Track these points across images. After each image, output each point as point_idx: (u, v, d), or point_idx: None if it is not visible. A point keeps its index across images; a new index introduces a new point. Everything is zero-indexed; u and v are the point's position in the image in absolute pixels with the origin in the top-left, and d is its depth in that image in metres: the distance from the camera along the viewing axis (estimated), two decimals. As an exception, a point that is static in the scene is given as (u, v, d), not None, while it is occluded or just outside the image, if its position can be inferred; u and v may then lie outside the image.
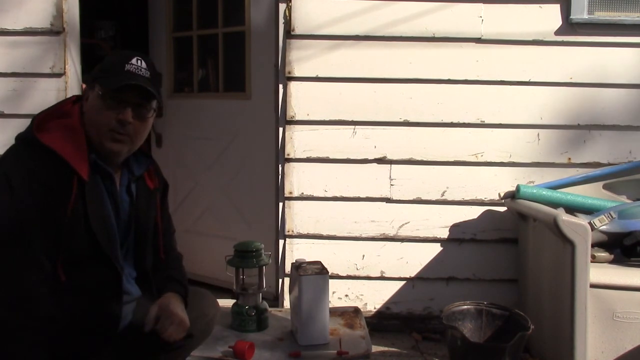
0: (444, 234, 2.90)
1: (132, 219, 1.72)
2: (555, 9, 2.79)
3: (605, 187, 2.76)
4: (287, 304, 2.67)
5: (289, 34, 2.81)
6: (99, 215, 1.60)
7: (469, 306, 2.52)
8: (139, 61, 1.63)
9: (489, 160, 2.87)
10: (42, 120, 1.61)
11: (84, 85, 3.32)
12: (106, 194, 1.65)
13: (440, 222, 2.90)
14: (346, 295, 2.95)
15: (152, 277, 1.79)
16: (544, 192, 2.63)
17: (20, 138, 1.61)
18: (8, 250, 1.46)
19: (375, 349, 2.47)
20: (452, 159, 2.87)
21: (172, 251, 1.90)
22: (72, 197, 1.52)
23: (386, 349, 2.76)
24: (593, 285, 2.24)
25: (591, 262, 2.26)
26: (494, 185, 2.86)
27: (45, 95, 2.83)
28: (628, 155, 2.85)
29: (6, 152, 1.60)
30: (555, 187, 2.74)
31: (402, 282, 2.94)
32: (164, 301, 1.67)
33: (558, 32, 2.80)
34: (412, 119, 2.85)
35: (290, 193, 2.89)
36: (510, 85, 2.83)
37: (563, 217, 2.25)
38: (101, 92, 1.60)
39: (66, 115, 1.64)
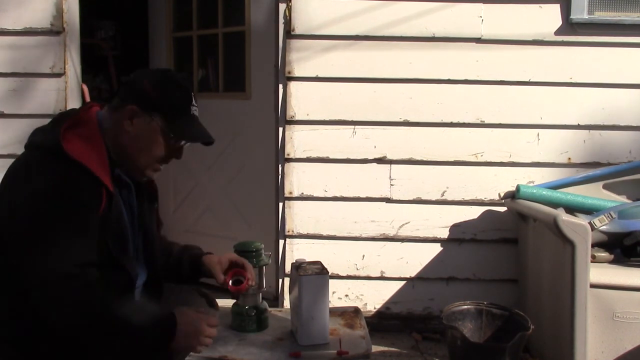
0: (444, 234, 2.90)
1: (140, 223, 1.74)
2: (555, 9, 2.79)
3: (605, 187, 2.76)
4: (287, 304, 2.67)
5: (289, 34, 2.81)
6: (120, 226, 1.60)
7: (469, 306, 2.52)
8: (195, 100, 1.66)
9: (489, 160, 2.87)
10: (67, 130, 1.51)
11: (84, 86, 3.33)
12: (122, 203, 1.65)
13: (440, 222, 2.90)
14: (346, 295, 2.95)
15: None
16: (544, 192, 2.63)
17: (44, 148, 1.50)
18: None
19: (375, 349, 2.47)
20: (452, 159, 2.87)
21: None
22: (100, 210, 1.50)
23: (386, 349, 2.76)
24: (593, 285, 2.24)
25: (591, 262, 2.25)
26: (494, 185, 2.86)
27: (45, 95, 2.84)
28: (628, 155, 2.85)
29: (28, 162, 1.51)
30: (555, 187, 2.73)
31: (402, 282, 2.94)
32: (216, 257, 1.87)
33: (558, 32, 2.80)
34: (412, 119, 2.85)
35: (290, 193, 2.89)
36: (510, 85, 2.83)
37: (563, 217, 2.24)
38: (166, 130, 1.59)
39: (85, 124, 1.57)
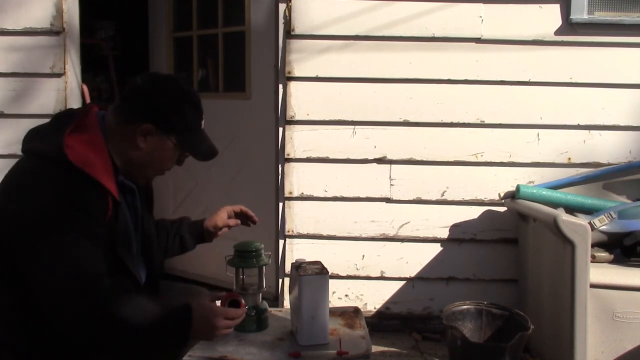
0: (444, 234, 2.90)
1: (140, 224, 1.74)
2: (555, 9, 2.79)
3: (605, 187, 2.76)
4: (287, 304, 2.67)
5: (289, 34, 2.81)
6: (126, 232, 1.61)
7: (469, 306, 2.52)
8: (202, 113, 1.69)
9: (489, 160, 2.87)
10: (69, 136, 1.48)
11: (84, 86, 3.33)
12: (127, 207, 1.65)
13: (440, 222, 2.90)
14: (346, 295, 2.95)
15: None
16: (544, 192, 2.63)
17: (48, 156, 1.46)
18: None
19: (375, 349, 2.47)
20: (452, 159, 2.87)
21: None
22: (107, 219, 1.50)
23: (386, 349, 2.76)
24: (593, 285, 2.24)
25: (591, 262, 2.25)
26: (494, 185, 2.86)
27: (45, 95, 2.84)
28: (628, 155, 2.85)
29: (33, 171, 1.46)
30: (555, 187, 2.74)
31: (402, 282, 2.94)
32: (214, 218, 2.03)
33: (558, 32, 2.80)
34: (412, 119, 2.85)
35: (290, 193, 2.89)
36: (510, 85, 2.83)
37: (563, 217, 2.24)
38: (180, 148, 1.62)
39: (87, 130, 1.53)
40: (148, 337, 1.46)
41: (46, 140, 1.49)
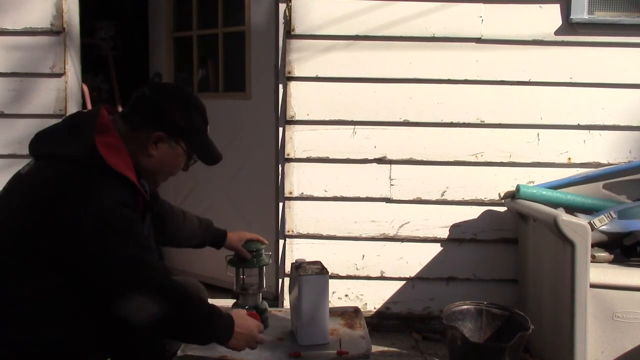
0: (444, 234, 2.90)
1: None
2: (555, 9, 2.79)
3: (605, 187, 2.76)
4: (287, 304, 2.67)
5: (289, 34, 2.81)
6: (148, 230, 1.72)
7: (469, 306, 2.52)
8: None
9: (489, 160, 2.87)
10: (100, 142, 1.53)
11: (84, 86, 3.33)
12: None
13: (440, 222, 2.90)
14: (346, 295, 2.95)
15: None
16: (544, 192, 2.63)
17: (84, 162, 1.50)
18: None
19: (375, 349, 2.47)
20: (452, 159, 2.87)
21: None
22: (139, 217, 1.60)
23: (386, 349, 2.76)
24: (593, 285, 2.24)
25: (591, 262, 2.26)
26: (494, 185, 2.86)
27: (45, 95, 2.84)
28: (628, 155, 2.85)
29: (75, 178, 1.49)
30: (555, 187, 2.74)
31: (402, 282, 2.94)
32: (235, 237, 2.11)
33: (558, 32, 2.80)
34: (412, 119, 2.85)
35: (290, 193, 2.89)
36: (510, 85, 2.83)
37: (563, 217, 2.24)
38: (190, 153, 1.71)
39: (108, 134, 1.57)
40: (199, 319, 1.58)
41: (74, 144, 1.52)
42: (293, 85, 2.84)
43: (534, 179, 2.85)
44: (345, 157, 2.87)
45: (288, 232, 2.91)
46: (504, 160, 2.87)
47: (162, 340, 1.78)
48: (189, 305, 1.57)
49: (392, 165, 2.88)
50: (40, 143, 1.59)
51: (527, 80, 2.83)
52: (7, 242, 1.48)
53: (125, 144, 1.60)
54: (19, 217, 1.48)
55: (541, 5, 2.79)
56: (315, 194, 2.89)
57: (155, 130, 1.62)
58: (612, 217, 2.40)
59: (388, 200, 2.90)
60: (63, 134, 1.58)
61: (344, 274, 2.93)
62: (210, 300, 1.70)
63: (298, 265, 2.09)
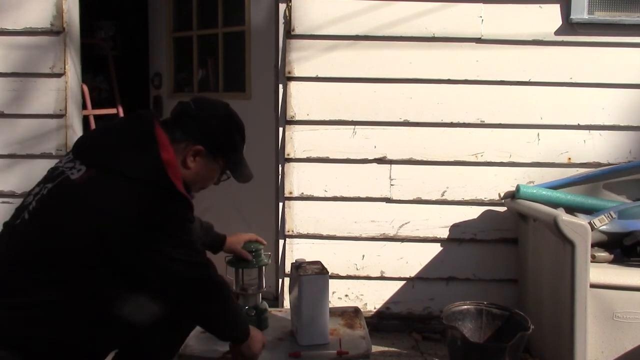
0: (444, 234, 2.90)
1: None
2: (555, 9, 2.79)
3: (605, 187, 2.75)
4: (287, 304, 2.67)
5: (289, 34, 2.81)
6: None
7: (469, 306, 2.52)
8: None
9: (489, 160, 2.87)
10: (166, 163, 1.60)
11: (84, 86, 3.33)
12: None
13: (440, 222, 2.90)
14: (346, 295, 2.95)
15: None
16: (544, 192, 2.63)
17: (154, 185, 1.56)
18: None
19: (375, 349, 2.47)
20: (452, 159, 2.87)
21: None
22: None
23: (386, 349, 2.76)
24: (593, 285, 2.24)
25: (591, 262, 2.26)
26: (494, 185, 2.86)
27: (45, 95, 2.84)
28: (628, 155, 2.85)
29: (147, 198, 1.55)
30: (555, 187, 2.73)
31: (402, 282, 2.94)
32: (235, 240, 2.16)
33: (558, 32, 2.80)
34: (412, 119, 2.85)
35: (290, 193, 2.89)
36: (510, 85, 2.83)
37: (563, 217, 2.24)
38: (226, 170, 1.82)
39: (168, 151, 1.61)
40: (237, 319, 1.78)
41: (142, 163, 1.55)
42: (293, 85, 2.84)
43: (534, 179, 2.85)
44: (345, 157, 2.87)
45: (288, 232, 2.91)
46: (504, 160, 2.87)
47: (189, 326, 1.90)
48: (233, 306, 1.77)
49: (392, 165, 2.88)
50: (97, 151, 1.60)
51: (527, 80, 2.83)
52: (69, 249, 1.50)
53: None
54: (81, 230, 1.50)
55: (541, 5, 2.79)
56: (315, 194, 2.89)
57: (195, 144, 1.69)
58: (612, 217, 2.39)
59: (388, 200, 2.90)
60: (125, 146, 1.58)
61: (344, 274, 2.93)
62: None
63: (298, 265, 2.09)
